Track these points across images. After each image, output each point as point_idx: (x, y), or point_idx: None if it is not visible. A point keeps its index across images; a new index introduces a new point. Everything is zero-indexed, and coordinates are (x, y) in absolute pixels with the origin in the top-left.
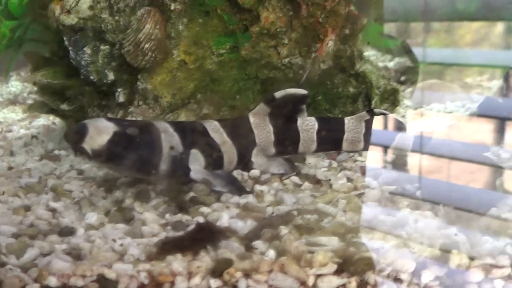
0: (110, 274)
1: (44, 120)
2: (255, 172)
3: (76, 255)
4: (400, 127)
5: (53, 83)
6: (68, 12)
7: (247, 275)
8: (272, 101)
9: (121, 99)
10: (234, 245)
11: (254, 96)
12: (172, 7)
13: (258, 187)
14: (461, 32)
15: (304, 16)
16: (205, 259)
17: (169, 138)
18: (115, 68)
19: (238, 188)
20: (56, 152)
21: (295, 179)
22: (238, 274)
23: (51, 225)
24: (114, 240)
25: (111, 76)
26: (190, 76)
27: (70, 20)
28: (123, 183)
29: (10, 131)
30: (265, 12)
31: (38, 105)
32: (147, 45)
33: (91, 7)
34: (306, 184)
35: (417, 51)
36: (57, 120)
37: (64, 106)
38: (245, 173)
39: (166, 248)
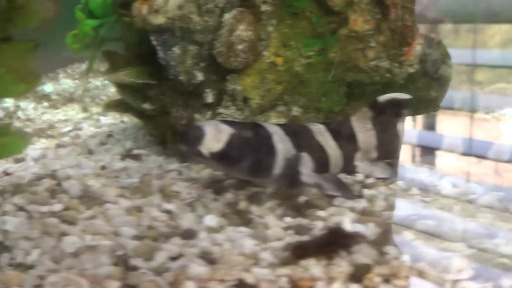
0: (250, 279)
1: (112, 118)
2: (359, 176)
3: (208, 259)
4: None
5: (136, 82)
6: (156, 11)
7: (386, 280)
8: (375, 106)
9: (209, 99)
10: (368, 250)
11: (339, 98)
12: (262, 9)
13: (367, 192)
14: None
15: (392, 20)
16: (342, 264)
17: (281, 141)
18: (203, 68)
19: (349, 192)
20: (136, 151)
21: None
22: (377, 279)
23: (170, 227)
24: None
25: (200, 77)
26: (279, 78)
27: (158, 19)
28: (230, 185)
29: (80, 129)
30: (353, 15)
31: (115, 104)
32: (239, 47)
33: (180, 7)
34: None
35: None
36: (126, 118)
37: (146, 106)
38: (349, 177)
39: (299, 252)
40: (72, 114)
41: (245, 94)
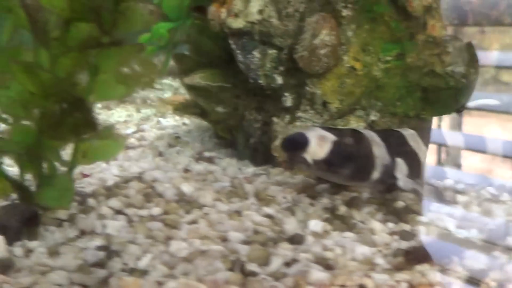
0: (370, 284)
1: (173, 119)
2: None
3: (324, 264)
4: None
5: (211, 86)
6: (236, 15)
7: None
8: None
9: (288, 103)
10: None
11: (414, 103)
12: (343, 14)
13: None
14: None
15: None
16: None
17: (378, 147)
18: (282, 72)
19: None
20: (207, 154)
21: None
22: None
23: (275, 232)
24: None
25: (279, 81)
26: (357, 83)
27: (238, 23)
28: (323, 190)
29: (142, 130)
30: (431, 20)
31: (184, 106)
32: (322, 51)
33: (260, 12)
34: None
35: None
36: (186, 120)
37: (219, 109)
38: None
39: (412, 257)
40: (127, 115)
41: (325, 98)
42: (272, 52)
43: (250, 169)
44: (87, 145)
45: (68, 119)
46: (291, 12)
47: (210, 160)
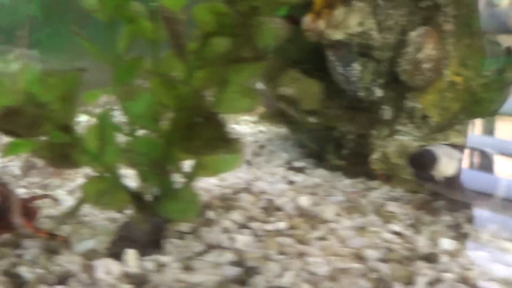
0: None
1: (248, 127)
2: None
3: (471, 284)
4: None
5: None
6: (335, 27)
7: None
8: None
9: (387, 116)
10: None
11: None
12: (444, 28)
13: None
14: None
15: None
16: None
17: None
18: (382, 85)
19: None
20: (296, 164)
21: None
22: None
23: (408, 250)
24: None
25: (379, 93)
26: (457, 97)
27: (337, 35)
28: (441, 206)
29: None
30: None
31: (270, 115)
32: (426, 65)
33: (360, 24)
34: None
35: None
36: (262, 127)
37: (311, 119)
38: None
39: None
40: None
41: (425, 112)
42: (371, 64)
43: (347, 181)
44: (209, 157)
45: (203, 133)
46: (391, 25)
47: (301, 171)
